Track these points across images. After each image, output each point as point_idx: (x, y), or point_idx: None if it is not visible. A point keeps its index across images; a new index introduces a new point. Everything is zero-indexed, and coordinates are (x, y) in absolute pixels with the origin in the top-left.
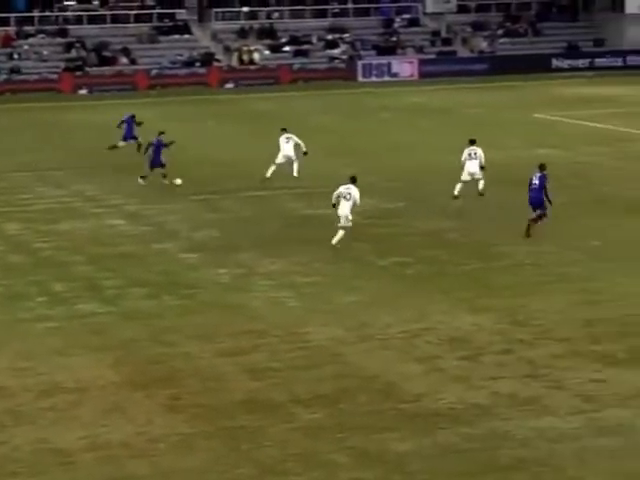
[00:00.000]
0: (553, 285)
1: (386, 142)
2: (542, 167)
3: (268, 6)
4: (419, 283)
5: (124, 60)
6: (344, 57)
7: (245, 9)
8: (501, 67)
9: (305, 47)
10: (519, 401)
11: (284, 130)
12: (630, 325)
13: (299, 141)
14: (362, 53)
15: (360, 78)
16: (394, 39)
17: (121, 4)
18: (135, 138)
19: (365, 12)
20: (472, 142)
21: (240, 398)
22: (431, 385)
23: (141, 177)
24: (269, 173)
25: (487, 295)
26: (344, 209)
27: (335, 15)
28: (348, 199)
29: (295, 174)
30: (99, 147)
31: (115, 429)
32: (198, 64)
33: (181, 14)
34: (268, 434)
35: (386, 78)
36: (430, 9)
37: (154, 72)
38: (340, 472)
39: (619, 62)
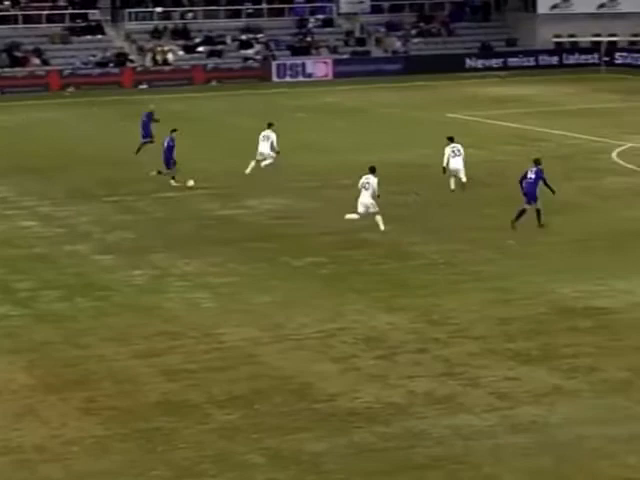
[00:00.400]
0: (468, 284)
1: (301, 142)
2: (537, 161)
3: (182, 6)
4: (334, 283)
5: (36, 61)
6: (258, 57)
7: (158, 9)
8: (415, 67)
9: (219, 47)
10: (435, 399)
11: (270, 126)
12: (543, 323)
13: (274, 140)
14: (276, 53)
15: (275, 78)
16: (308, 39)
17: (33, 4)
18: (150, 136)
19: (279, 12)
20: (451, 139)
21: (155, 400)
22: (347, 385)
23: (172, 178)
24: (249, 169)
25: (402, 294)
26: (365, 198)
27: (249, 15)
28: (367, 188)
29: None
30: (10, 148)
31: (28, 433)
32: (112, 65)
33: (94, 14)
34: (183, 436)
35: (300, 78)
36: (344, 9)
37: (67, 73)
38: (255, 473)
39: (531, 62)
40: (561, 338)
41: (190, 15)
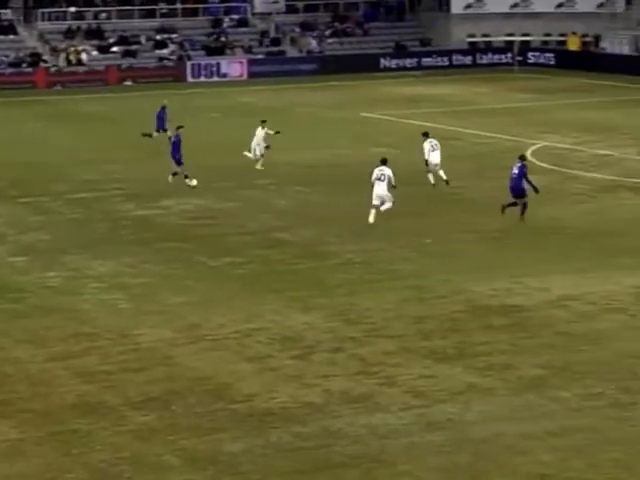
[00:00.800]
0: (384, 283)
1: (215, 142)
2: (522, 157)
3: (95, 6)
4: (250, 283)
5: None
6: (173, 57)
7: (72, 9)
8: (330, 67)
9: (134, 47)
10: (351, 398)
11: (263, 122)
12: (459, 321)
13: (260, 136)
14: (191, 53)
15: (189, 78)
16: (223, 39)
17: None
18: (165, 130)
19: (193, 12)
20: (426, 134)
21: (71, 402)
22: (263, 385)
23: (185, 177)
24: (259, 165)
25: (318, 294)
26: (380, 190)
27: (163, 15)
28: (383, 180)
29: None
30: None
31: None
32: (25, 65)
33: (6, 14)
34: (99, 438)
35: (215, 78)
36: (259, 9)
37: None
38: (171, 474)
39: (445, 61)
40: (476, 336)
41: (104, 15)
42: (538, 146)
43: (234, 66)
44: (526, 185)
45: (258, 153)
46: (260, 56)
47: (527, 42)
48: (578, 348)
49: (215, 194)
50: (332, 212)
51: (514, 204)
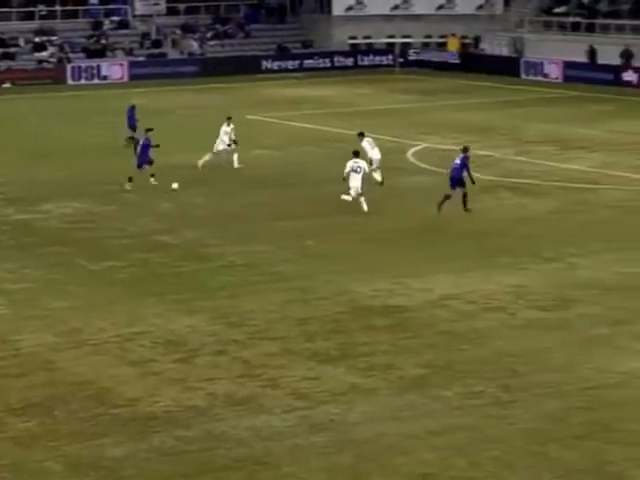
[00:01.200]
0: (267, 285)
1: (97, 145)
2: (465, 149)
3: None
4: (132, 286)
5: None
6: (53, 60)
7: None
8: (212, 69)
9: (12, 50)
10: (235, 401)
11: (229, 119)
12: (342, 322)
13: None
14: (71, 56)
15: (70, 81)
16: (103, 41)
17: None
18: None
19: (73, 14)
20: (362, 134)
21: None
22: (146, 389)
23: (128, 180)
24: (236, 164)
25: (201, 297)
26: (356, 181)
27: (42, 17)
28: (359, 172)
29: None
30: None
31: None
32: None
33: None
34: None
35: (96, 81)
36: (139, 11)
37: None
38: None
39: (327, 63)
40: (359, 337)
41: None
42: (419, 147)
43: (115, 68)
44: (465, 175)
45: (221, 148)
46: (141, 58)
47: (408, 44)
48: (459, 347)
49: (95, 197)
50: (215, 214)
51: (447, 197)
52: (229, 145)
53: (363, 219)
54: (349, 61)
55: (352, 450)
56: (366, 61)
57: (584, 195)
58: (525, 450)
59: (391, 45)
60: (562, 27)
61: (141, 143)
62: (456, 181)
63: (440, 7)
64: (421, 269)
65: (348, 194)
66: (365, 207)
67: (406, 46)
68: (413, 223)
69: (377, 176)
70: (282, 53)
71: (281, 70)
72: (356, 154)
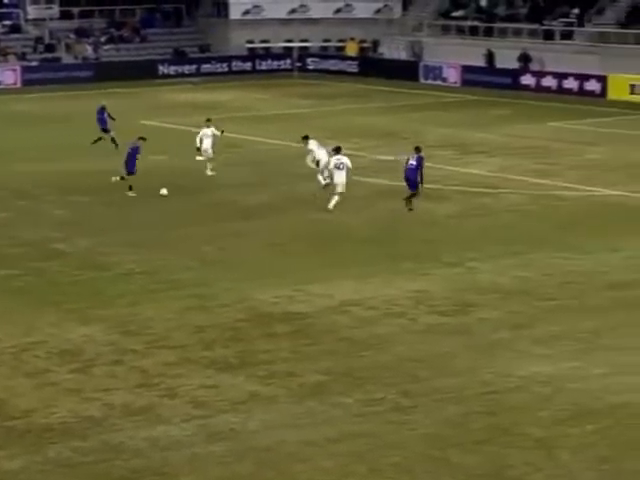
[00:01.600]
0: (165, 293)
1: None
2: (418, 149)
3: None
4: (27, 296)
5: None
6: None
7: None
8: (107, 74)
9: None
10: (132, 411)
11: (208, 121)
12: (241, 330)
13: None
14: None
15: None
16: None
17: None
18: (106, 130)
19: None
20: (306, 138)
21: None
22: (42, 400)
23: (129, 188)
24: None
25: (98, 305)
26: (341, 177)
27: None
28: (342, 168)
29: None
30: None
31: None
32: None
33: None
34: None
35: None
36: (32, 15)
37: None
38: None
39: (225, 68)
40: (259, 344)
41: None
42: None
43: (7, 74)
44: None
45: (209, 151)
46: (34, 63)
47: (306, 48)
48: (359, 353)
49: None
50: (112, 222)
51: (413, 195)
52: (198, 149)
53: (261, 224)
54: (247, 65)
55: (251, 458)
56: (264, 65)
57: (484, 199)
58: (425, 455)
59: (289, 49)
60: (460, 31)
61: (129, 149)
62: (413, 182)
63: (338, 11)
64: (322, 275)
65: (335, 195)
66: (331, 204)
67: (304, 50)
68: (314, 229)
69: (321, 179)
70: (179, 57)
71: (178, 75)
72: (337, 150)
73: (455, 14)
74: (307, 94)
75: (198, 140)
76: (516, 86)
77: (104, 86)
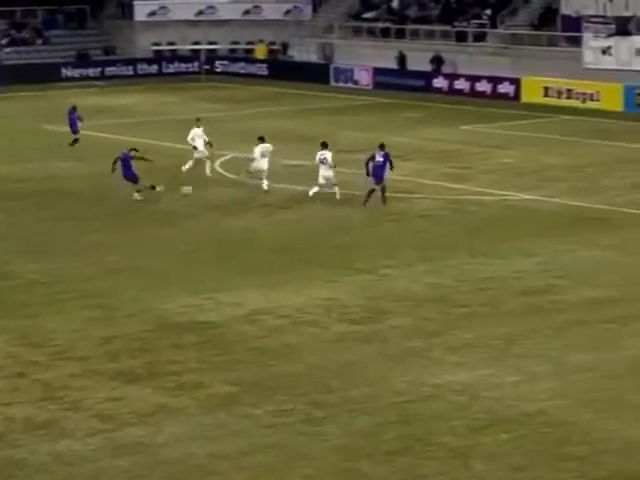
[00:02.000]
0: (69, 302)
1: None
2: (382, 146)
3: None
4: None
5: None
6: None
7: None
8: (7, 77)
9: None
10: (35, 426)
11: (198, 121)
12: (148, 340)
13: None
14: None
15: None
16: None
17: None
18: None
19: None
20: (262, 139)
21: None
22: None
23: (137, 191)
24: (208, 171)
25: None
26: (325, 171)
27: None
28: (325, 163)
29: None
30: None
31: None
32: None
33: None
34: None
35: None
36: None
37: None
38: None
39: (130, 71)
40: (166, 355)
41: None
42: (227, 157)
43: None
44: (386, 172)
45: (204, 151)
46: None
47: (214, 50)
48: (269, 363)
49: None
50: (14, 229)
51: (372, 191)
52: (195, 148)
53: (169, 231)
54: (153, 68)
55: (160, 472)
56: (171, 68)
57: (398, 204)
58: (337, 467)
59: (197, 52)
60: (372, 33)
61: (121, 158)
62: (380, 177)
63: (246, 12)
64: (232, 283)
65: (315, 186)
66: (339, 195)
67: (213, 53)
68: (223, 236)
69: (264, 184)
70: (82, 60)
71: (82, 78)
72: (324, 145)
73: (366, 16)
74: (216, 97)
75: (190, 139)
76: (429, 89)
77: (4, 90)
